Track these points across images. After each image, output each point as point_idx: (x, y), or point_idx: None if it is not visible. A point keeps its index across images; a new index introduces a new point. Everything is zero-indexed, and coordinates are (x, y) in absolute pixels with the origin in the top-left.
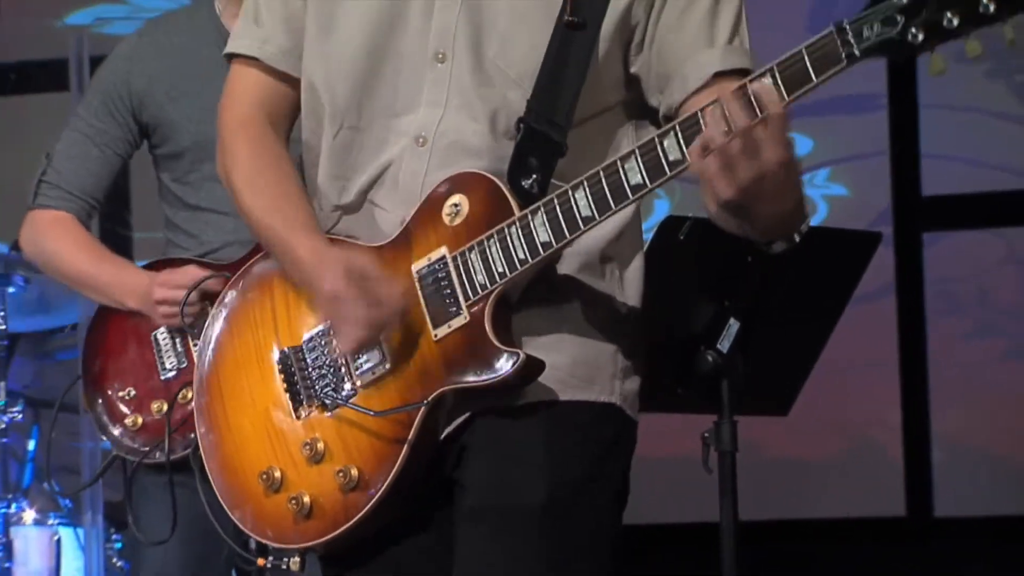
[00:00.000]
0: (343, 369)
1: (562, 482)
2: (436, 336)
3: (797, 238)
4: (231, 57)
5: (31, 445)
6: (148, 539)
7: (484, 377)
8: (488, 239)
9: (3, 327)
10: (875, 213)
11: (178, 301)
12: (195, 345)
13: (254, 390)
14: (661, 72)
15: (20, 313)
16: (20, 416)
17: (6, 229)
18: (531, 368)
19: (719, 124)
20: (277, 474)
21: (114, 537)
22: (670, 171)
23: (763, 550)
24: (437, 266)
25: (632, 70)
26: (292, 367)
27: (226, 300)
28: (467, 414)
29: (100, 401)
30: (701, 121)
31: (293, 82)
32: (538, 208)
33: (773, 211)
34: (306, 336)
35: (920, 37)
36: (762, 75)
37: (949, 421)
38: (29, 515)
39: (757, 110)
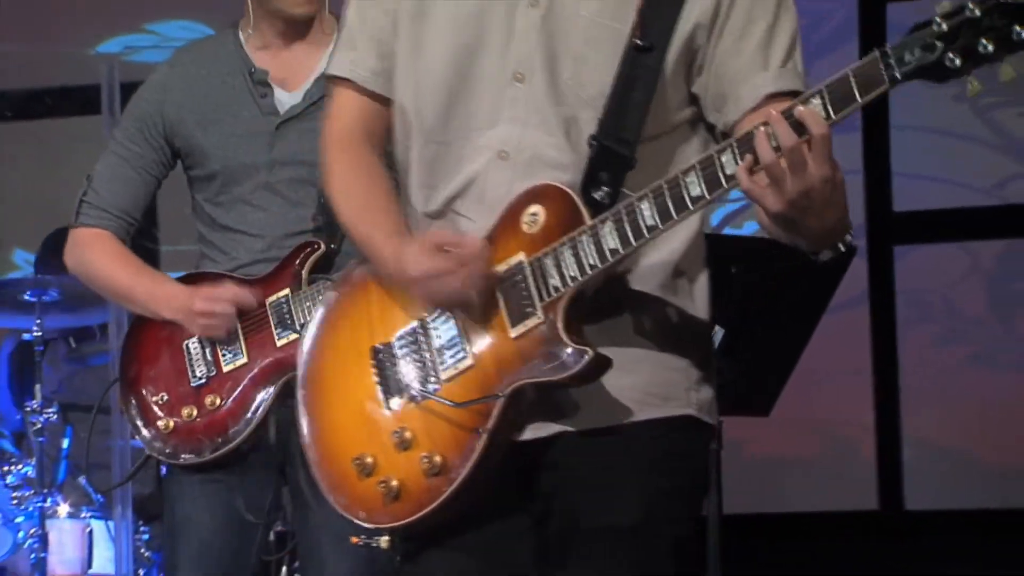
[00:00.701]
0: (429, 364)
1: (649, 501)
2: (513, 334)
3: (842, 247)
4: (330, 78)
5: (65, 444)
6: (183, 534)
7: (557, 373)
8: (561, 246)
9: (39, 334)
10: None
11: (217, 313)
12: (223, 354)
13: (351, 383)
14: (718, 92)
15: (52, 312)
16: (55, 417)
17: (38, 241)
18: (600, 365)
19: (768, 144)
20: (369, 460)
21: (142, 529)
22: (726, 184)
23: (745, 543)
24: (515, 270)
25: (692, 90)
26: (384, 362)
27: (328, 301)
28: (557, 429)
29: (134, 404)
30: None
31: (385, 101)
32: (607, 217)
33: (819, 224)
34: (397, 334)
35: (957, 62)
36: (811, 96)
37: (919, 422)
38: (63, 509)
39: (803, 131)
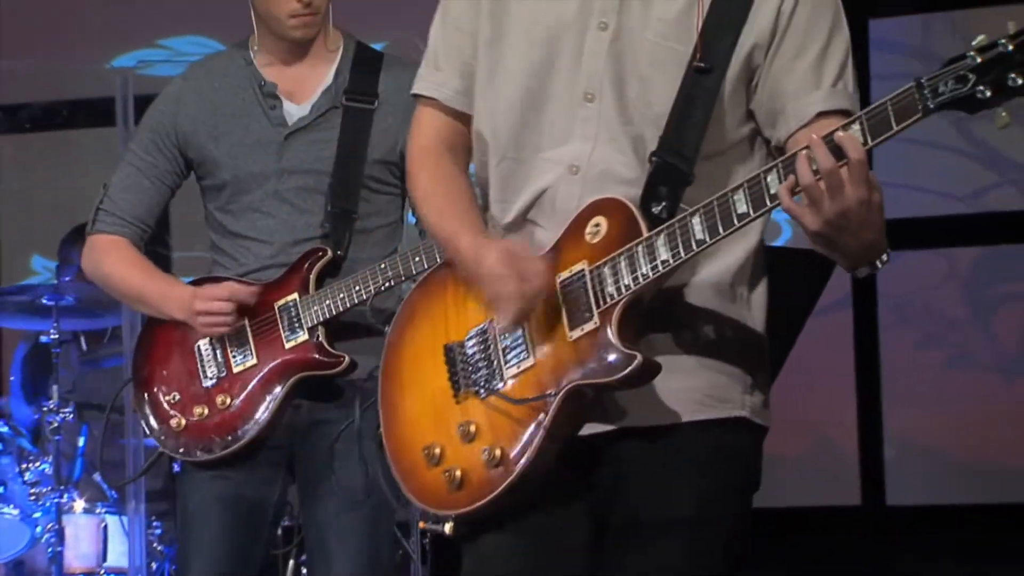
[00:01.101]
0: (495, 362)
1: (706, 500)
2: (571, 337)
3: (880, 265)
4: (416, 96)
5: (80, 442)
6: (195, 527)
7: (609, 375)
8: (619, 256)
9: (56, 336)
10: None
11: (215, 312)
12: (233, 355)
13: (424, 377)
14: (772, 109)
15: (67, 316)
16: (71, 417)
17: (55, 248)
18: (648, 369)
19: (808, 166)
20: (437, 450)
21: (155, 524)
22: (770, 203)
23: None
24: (576, 277)
25: (750, 106)
26: (455, 359)
27: (412, 299)
28: (618, 425)
29: (148, 403)
30: (800, 160)
31: (466, 118)
32: (661, 231)
33: (856, 242)
34: (468, 333)
35: (988, 94)
36: (852, 123)
37: (899, 421)
38: (79, 504)
39: (842, 155)
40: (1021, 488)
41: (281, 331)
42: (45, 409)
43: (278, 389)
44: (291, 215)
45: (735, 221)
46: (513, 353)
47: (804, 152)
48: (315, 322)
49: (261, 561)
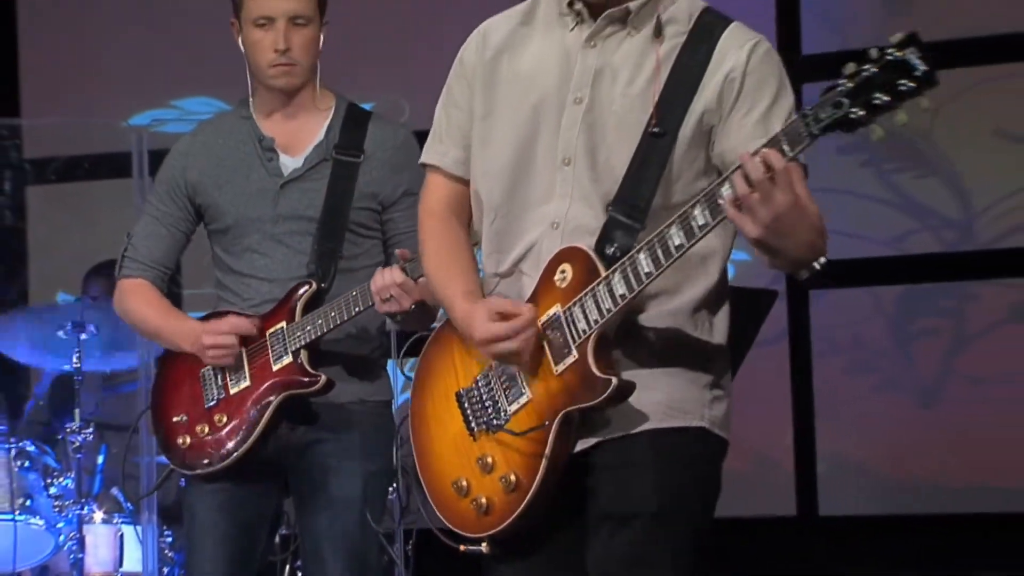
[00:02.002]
0: (499, 402)
1: (666, 496)
2: (557, 372)
3: (817, 267)
4: (424, 165)
5: (100, 460)
6: (200, 536)
7: (592, 398)
8: (585, 296)
9: (78, 365)
10: (772, 274)
11: (220, 344)
12: (231, 379)
13: (444, 421)
14: (728, 161)
15: (93, 357)
16: (91, 437)
17: (78, 286)
18: (624, 390)
19: (743, 181)
20: (464, 483)
21: (166, 533)
22: (699, 233)
23: None
24: (553, 319)
25: (713, 160)
26: (465, 403)
27: (427, 354)
28: (596, 439)
29: (161, 425)
30: (724, 186)
31: (467, 183)
32: (616, 269)
33: (794, 244)
34: (473, 379)
35: (860, 114)
36: (771, 142)
37: (830, 440)
38: (98, 515)
39: (770, 168)
40: (938, 500)
41: (270, 355)
42: (68, 429)
43: (267, 407)
44: (286, 255)
45: (673, 252)
46: (512, 392)
47: (738, 170)
48: (298, 346)
49: (259, 565)
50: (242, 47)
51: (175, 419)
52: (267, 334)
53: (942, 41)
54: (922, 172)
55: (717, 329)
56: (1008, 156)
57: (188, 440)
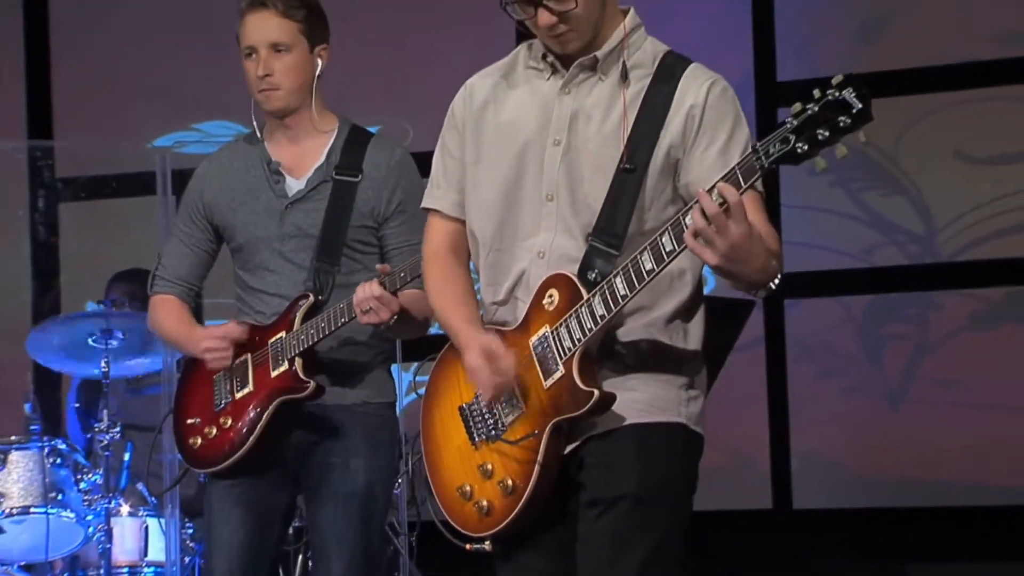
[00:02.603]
0: (497, 415)
1: (647, 481)
2: (546, 386)
3: (773, 286)
4: (425, 208)
5: (126, 457)
6: (217, 527)
7: (577, 409)
8: (569, 317)
9: (107, 369)
10: None
11: (214, 348)
12: (237, 385)
13: (449, 433)
14: (693, 191)
15: (121, 359)
16: (118, 436)
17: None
18: (605, 400)
19: (700, 215)
20: (468, 488)
21: (187, 525)
22: (667, 258)
23: None
24: (542, 339)
25: (678, 192)
26: (467, 416)
27: (434, 373)
28: (583, 437)
29: (178, 427)
30: (687, 216)
31: (464, 223)
32: (595, 292)
33: (749, 268)
34: (474, 396)
35: (806, 148)
36: (728, 175)
37: (804, 438)
38: (125, 509)
39: (724, 202)
40: (904, 494)
41: (270, 363)
42: (96, 429)
43: (265, 410)
44: (292, 271)
45: (645, 276)
46: (507, 406)
47: (696, 204)
48: (293, 354)
49: (272, 554)
50: None
51: (189, 421)
52: (268, 343)
53: (906, 69)
54: (888, 191)
55: (691, 337)
56: (967, 176)
57: (199, 441)
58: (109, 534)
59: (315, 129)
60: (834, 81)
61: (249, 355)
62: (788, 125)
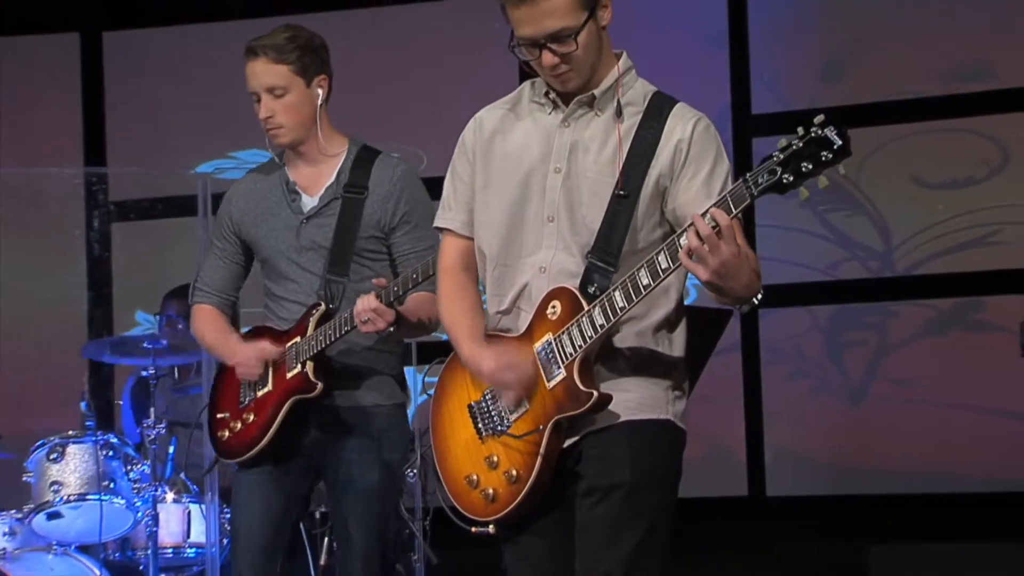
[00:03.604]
0: (503, 412)
1: (639, 471)
2: (549, 387)
3: (756, 301)
4: (438, 229)
5: (171, 450)
6: (241, 511)
7: (576, 408)
8: (571, 326)
9: (153, 371)
10: None
11: (244, 364)
12: (259, 385)
13: (458, 428)
14: (679, 215)
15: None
16: (163, 431)
17: (153, 306)
18: (603, 401)
19: (695, 236)
20: (474, 477)
21: (225, 510)
22: (663, 275)
23: None
24: (546, 345)
25: (666, 216)
26: (475, 413)
27: (443, 375)
28: (581, 433)
29: (211, 422)
30: (682, 238)
31: (473, 240)
32: (595, 304)
33: (737, 284)
34: (482, 394)
35: (791, 179)
36: (720, 202)
37: (776, 433)
38: (170, 496)
39: (716, 225)
40: (865, 482)
41: (287, 365)
42: (145, 425)
43: (282, 408)
44: (309, 280)
45: (642, 290)
46: (514, 406)
47: (691, 226)
48: (305, 357)
49: (289, 537)
50: None
51: (219, 416)
52: (286, 348)
53: (867, 104)
54: (851, 212)
55: (676, 344)
56: (921, 199)
57: (226, 434)
58: (156, 518)
59: (327, 152)
60: (816, 120)
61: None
62: (775, 158)
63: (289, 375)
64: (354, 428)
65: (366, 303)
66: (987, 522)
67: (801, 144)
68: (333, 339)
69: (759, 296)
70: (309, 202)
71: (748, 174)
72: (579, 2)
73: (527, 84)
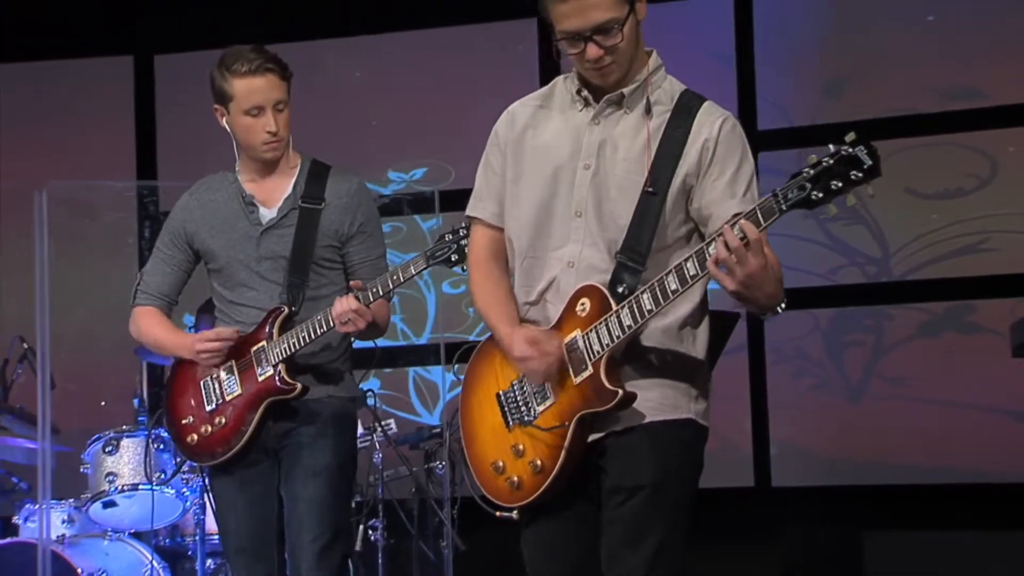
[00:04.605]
0: (531, 403)
1: (662, 471)
2: (576, 382)
3: (779, 310)
4: (470, 218)
5: None
6: (224, 512)
7: (603, 405)
8: (599, 324)
9: None
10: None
11: (208, 349)
12: (226, 387)
13: (486, 415)
14: (704, 215)
15: None
16: None
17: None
18: (628, 399)
19: (724, 247)
20: (500, 464)
21: None
22: (691, 281)
23: None
24: (574, 341)
25: (690, 214)
26: (503, 402)
27: (473, 363)
28: (606, 431)
29: (173, 427)
30: (710, 246)
31: (503, 231)
32: (624, 305)
33: (762, 295)
34: (511, 384)
35: (820, 196)
36: (749, 214)
37: (780, 428)
38: None
39: (744, 236)
40: (863, 473)
41: (256, 368)
42: None
43: (256, 410)
44: (268, 288)
45: (670, 295)
46: (540, 396)
47: (720, 237)
48: (277, 360)
49: (275, 530)
50: (228, 127)
51: (183, 421)
52: (251, 351)
53: (865, 120)
54: (850, 221)
55: (699, 342)
56: (916, 209)
57: (195, 438)
58: (203, 507)
59: (286, 166)
60: (847, 139)
61: (233, 361)
62: (805, 174)
63: (261, 377)
64: (308, 416)
65: (346, 304)
66: (976, 512)
67: (831, 162)
68: (308, 340)
69: (783, 305)
70: (267, 214)
71: (778, 188)
72: None
73: (559, 79)
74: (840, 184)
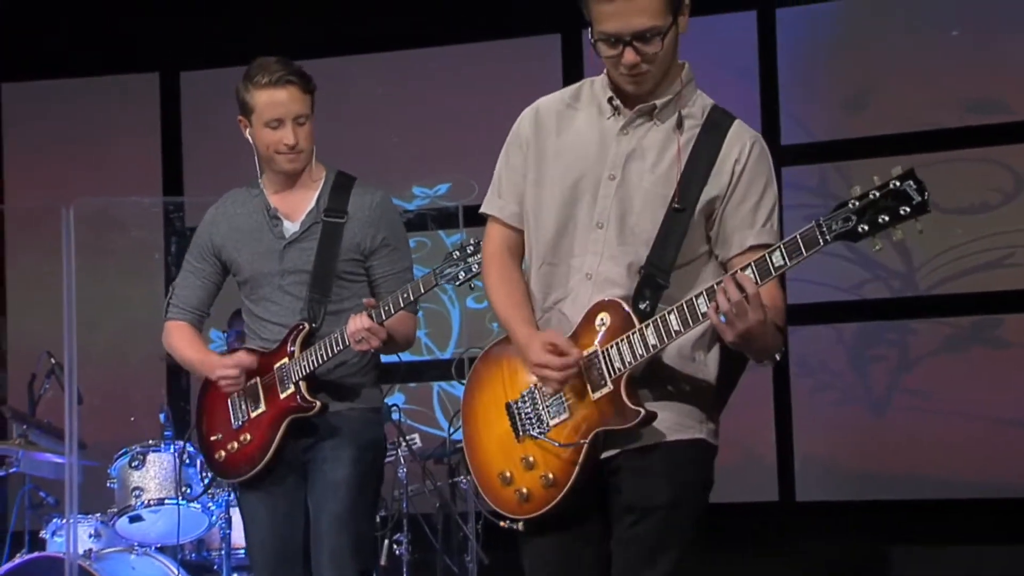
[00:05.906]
0: (543, 416)
1: (676, 491)
2: (594, 397)
3: (777, 358)
4: (485, 215)
5: None
6: (250, 527)
7: (621, 423)
8: (621, 341)
9: None
10: None
11: (226, 376)
12: (252, 406)
13: (492, 424)
14: (721, 239)
15: None
16: None
17: (222, 323)
18: (649, 418)
19: (724, 297)
20: (508, 474)
21: None
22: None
23: None
24: (593, 355)
25: (709, 234)
26: (514, 412)
27: (478, 368)
28: (619, 449)
29: (203, 443)
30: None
31: (520, 231)
32: (648, 323)
33: (759, 346)
34: (520, 393)
35: (866, 229)
36: (775, 249)
37: (804, 441)
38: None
39: (744, 289)
40: (888, 487)
41: (278, 386)
42: None
43: (280, 426)
44: (292, 302)
45: (700, 318)
46: (554, 409)
47: (720, 287)
48: (297, 378)
49: (300, 544)
50: (250, 139)
51: (213, 438)
52: (275, 368)
53: (887, 135)
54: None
55: (710, 363)
56: (940, 223)
57: (223, 455)
58: (229, 521)
59: (309, 180)
60: (894, 172)
61: (258, 379)
62: (851, 206)
63: (283, 395)
64: (329, 430)
65: (360, 323)
66: (1003, 526)
67: (878, 195)
68: (325, 359)
69: (780, 355)
70: (291, 227)
71: (822, 218)
72: (668, 4)
73: (587, 82)
74: (887, 219)
